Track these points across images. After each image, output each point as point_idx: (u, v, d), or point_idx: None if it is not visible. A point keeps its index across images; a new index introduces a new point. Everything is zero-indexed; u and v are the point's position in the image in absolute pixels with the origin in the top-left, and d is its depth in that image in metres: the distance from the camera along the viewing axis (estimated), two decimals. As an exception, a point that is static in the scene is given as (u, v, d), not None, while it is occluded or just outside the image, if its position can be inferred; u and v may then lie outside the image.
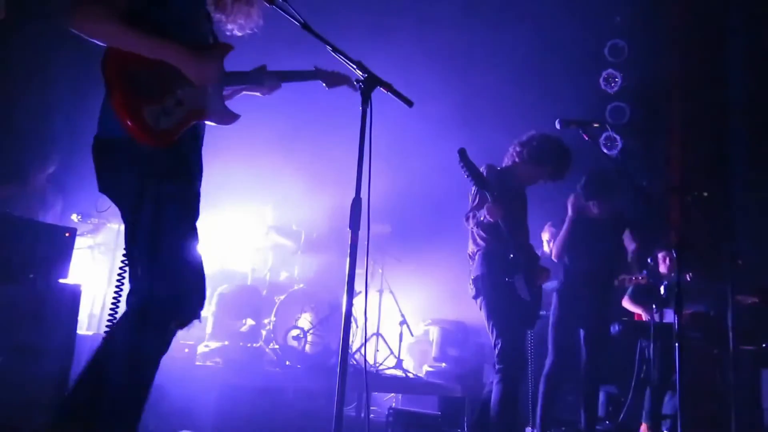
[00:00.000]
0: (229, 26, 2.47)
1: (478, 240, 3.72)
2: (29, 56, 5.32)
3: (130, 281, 2.11)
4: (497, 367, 3.56)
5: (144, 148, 2.05)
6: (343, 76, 2.76)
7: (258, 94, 2.63)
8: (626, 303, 5.54)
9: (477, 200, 3.69)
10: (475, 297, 3.68)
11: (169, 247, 2.09)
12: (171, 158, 2.13)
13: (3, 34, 4.85)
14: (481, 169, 3.62)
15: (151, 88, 2.09)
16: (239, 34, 2.48)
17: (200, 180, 2.32)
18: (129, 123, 2.00)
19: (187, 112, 2.18)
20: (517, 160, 3.86)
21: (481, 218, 3.57)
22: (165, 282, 2.07)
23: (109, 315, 2.18)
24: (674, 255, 3.88)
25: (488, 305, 3.60)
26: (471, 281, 3.71)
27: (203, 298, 2.19)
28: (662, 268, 5.56)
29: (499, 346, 3.53)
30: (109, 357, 2.07)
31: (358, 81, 2.37)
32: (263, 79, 2.56)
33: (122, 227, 5.74)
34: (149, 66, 2.08)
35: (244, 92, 2.61)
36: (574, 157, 3.90)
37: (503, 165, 3.93)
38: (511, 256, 3.54)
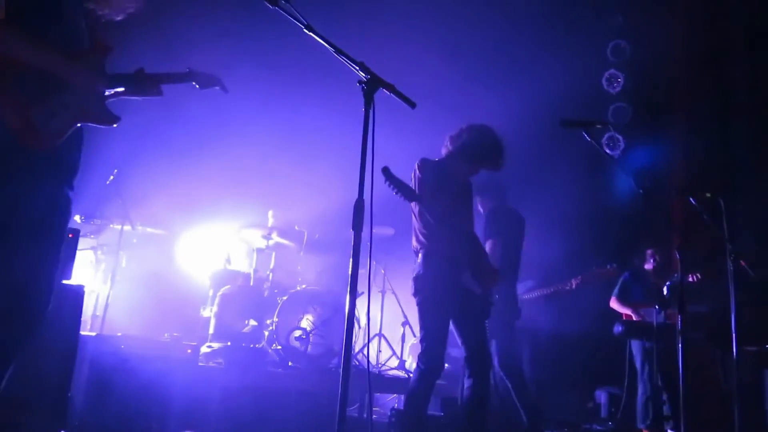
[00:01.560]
0: (102, 13, 2.46)
1: (420, 237, 3.70)
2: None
3: None
4: (417, 366, 3.56)
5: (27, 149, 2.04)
6: (214, 77, 2.81)
7: (138, 98, 2.61)
8: (614, 304, 5.55)
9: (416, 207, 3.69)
10: (414, 295, 3.65)
11: None
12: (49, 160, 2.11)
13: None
14: (415, 165, 3.61)
15: (36, 89, 2.10)
16: (118, 18, 2.49)
17: (74, 181, 2.27)
18: (15, 125, 2.01)
19: (74, 114, 2.20)
20: (451, 152, 3.82)
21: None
22: None
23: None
24: (677, 256, 3.87)
25: (421, 305, 3.60)
26: (411, 279, 3.69)
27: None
28: (648, 266, 5.58)
29: (423, 346, 3.53)
30: None
31: (360, 82, 2.36)
32: (143, 82, 2.56)
33: (125, 228, 5.72)
34: (33, 69, 2.10)
35: (125, 96, 2.58)
36: (506, 147, 3.84)
37: (440, 157, 3.86)
38: (454, 254, 3.54)
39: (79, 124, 2.25)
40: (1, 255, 2.03)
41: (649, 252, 5.60)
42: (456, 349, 6.12)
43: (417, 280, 3.63)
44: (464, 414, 3.63)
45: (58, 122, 2.14)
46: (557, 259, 5.89)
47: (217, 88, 2.84)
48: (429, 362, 3.52)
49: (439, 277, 3.56)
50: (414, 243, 3.75)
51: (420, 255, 3.67)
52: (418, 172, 3.60)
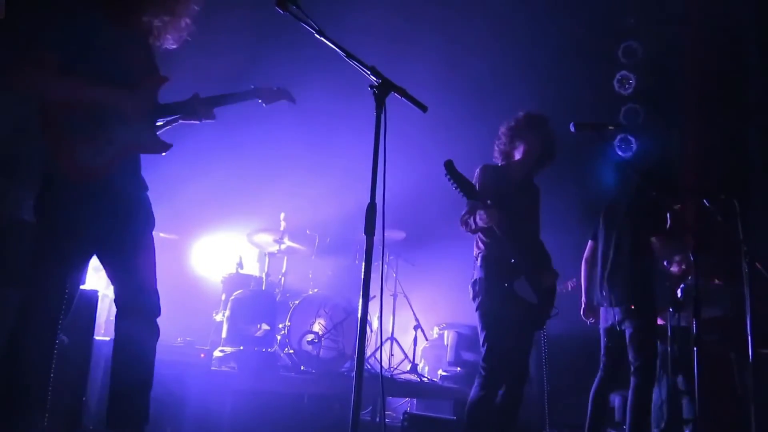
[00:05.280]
0: (162, 44, 2.68)
1: (480, 243, 3.71)
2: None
3: None
4: (480, 370, 3.56)
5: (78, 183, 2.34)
6: (281, 90, 2.93)
7: (195, 122, 2.76)
8: None
9: (468, 206, 3.62)
10: (473, 299, 3.67)
11: None
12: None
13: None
14: (476, 172, 3.63)
15: (83, 131, 2.36)
16: (174, 46, 2.69)
17: (138, 196, 2.60)
18: (64, 164, 2.31)
19: (119, 148, 2.45)
20: (505, 149, 3.81)
21: (472, 226, 3.54)
22: None
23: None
24: (692, 258, 3.84)
25: (481, 309, 3.60)
26: (470, 284, 3.70)
27: None
28: (674, 269, 5.51)
29: (485, 350, 3.54)
30: None
31: (372, 86, 2.37)
32: (196, 108, 2.69)
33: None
34: (82, 109, 2.36)
35: (181, 122, 2.76)
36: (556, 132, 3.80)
37: (499, 164, 3.86)
38: (512, 261, 3.50)
39: (126, 156, 2.51)
40: (122, 265, 2.48)
41: (677, 258, 5.54)
42: (469, 353, 6.12)
43: (475, 284, 3.65)
44: (492, 420, 3.58)
45: (104, 158, 2.39)
46: (561, 261, 5.83)
47: (283, 100, 2.94)
48: (491, 366, 3.50)
49: (496, 283, 3.55)
50: (474, 249, 3.75)
51: (478, 259, 3.68)
52: (478, 176, 3.65)
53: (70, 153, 2.32)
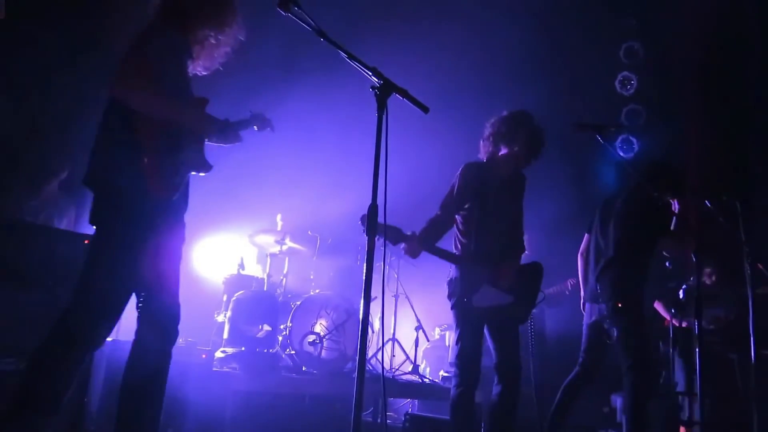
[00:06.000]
0: (195, 70, 2.78)
1: (457, 243, 3.75)
2: (34, 60, 5.35)
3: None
4: (454, 368, 3.58)
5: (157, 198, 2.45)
6: (267, 119, 3.06)
7: (223, 144, 2.91)
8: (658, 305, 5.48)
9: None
10: (448, 298, 3.71)
11: None
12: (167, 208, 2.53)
13: (3, 35, 4.87)
14: (458, 171, 3.67)
15: (168, 148, 2.47)
16: (204, 73, 2.80)
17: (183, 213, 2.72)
18: (153, 179, 2.40)
19: (187, 169, 2.59)
20: (490, 149, 3.79)
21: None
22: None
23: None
24: (694, 258, 3.82)
25: (455, 309, 3.64)
26: (447, 282, 3.73)
27: None
28: (707, 280, 5.48)
29: (457, 348, 3.57)
30: None
31: (373, 87, 2.37)
32: (227, 132, 2.85)
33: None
34: (169, 128, 2.47)
35: (212, 143, 2.88)
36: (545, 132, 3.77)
37: (483, 160, 3.84)
38: (476, 283, 3.55)
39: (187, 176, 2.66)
40: (168, 277, 2.60)
41: (707, 270, 5.51)
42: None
43: (450, 283, 3.70)
44: (491, 421, 3.61)
45: (179, 177, 2.54)
46: (558, 261, 5.83)
47: (268, 129, 3.07)
48: (461, 366, 3.54)
49: (465, 283, 3.59)
50: (452, 248, 3.78)
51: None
52: (458, 176, 3.68)
53: (156, 169, 2.41)
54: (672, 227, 4.18)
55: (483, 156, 3.83)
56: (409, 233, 3.46)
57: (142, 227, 2.45)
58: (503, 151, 3.74)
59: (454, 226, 3.77)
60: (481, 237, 3.60)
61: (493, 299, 3.56)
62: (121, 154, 2.41)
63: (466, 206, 3.67)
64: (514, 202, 3.80)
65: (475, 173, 3.68)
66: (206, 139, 2.75)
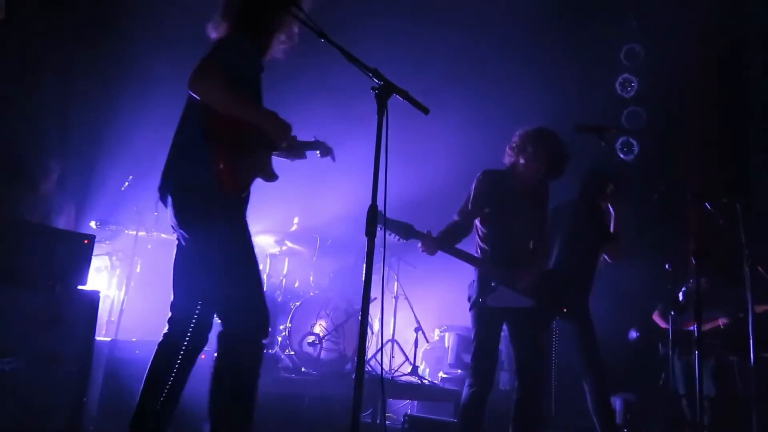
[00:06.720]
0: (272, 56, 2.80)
1: (477, 249, 3.80)
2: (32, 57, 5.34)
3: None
4: (470, 369, 3.65)
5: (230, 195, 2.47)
6: (330, 148, 3.31)
7: (286, 159, 3.07)
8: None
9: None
10: (468, 299, 3.76)
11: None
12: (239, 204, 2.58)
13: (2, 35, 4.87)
14: (476, 178, 3.74)
15: (242, 147, 2.49)
16: (280, 56, 2.82)
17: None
18: (226, 176, 2.42)
19: (255, 172, 2.62)
20: (513, 159, 3.82)
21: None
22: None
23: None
24: (693, 261, 3.82)
25: (473, 309, 3.68)
26: (469, 284, 3.77)
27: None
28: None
29: (473, 348, 3.62)
30: None
31: (374, 89, 2.37)
32: (292, 149, 3.00)
33: (140, 233, 5.77)
34: (243, 131, 2.49)
35: (277, 156, 2.95)
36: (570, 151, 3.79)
37: (507, 164, 3.87)
38: (492, 283, 3.60)
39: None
40: (250, 276, 2.57)
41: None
42: (470, 355, 6.11)
43: (469, 286, 3.75)
44: (511, 427, 3.62)
45: (247, 177, 2.56)
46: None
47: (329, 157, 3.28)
48: (474, 366, 3.58)
49: (481, 284, 3.64)
50: (474, 252, 3.82)
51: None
52: (475, 184, 3.75)
53: (230, 166, 2.43)
54: (611, 231, 4.20)
55: (507, 161, 3.87)
56: (425, 231, 3.52)
57: (230, 219, 2.52)
58: (524, 161, 3.77)
59: (475, 231, 3.82)
60: (499, 240, 3.67)
61: (508, 301, 3.58)
62: (200, 153, 2.43)
63: (486, 211, 3.72)
64: (535, 209, 3.83)
65: (493, 180, 3.74)
66: (275, 150, 2.77)
